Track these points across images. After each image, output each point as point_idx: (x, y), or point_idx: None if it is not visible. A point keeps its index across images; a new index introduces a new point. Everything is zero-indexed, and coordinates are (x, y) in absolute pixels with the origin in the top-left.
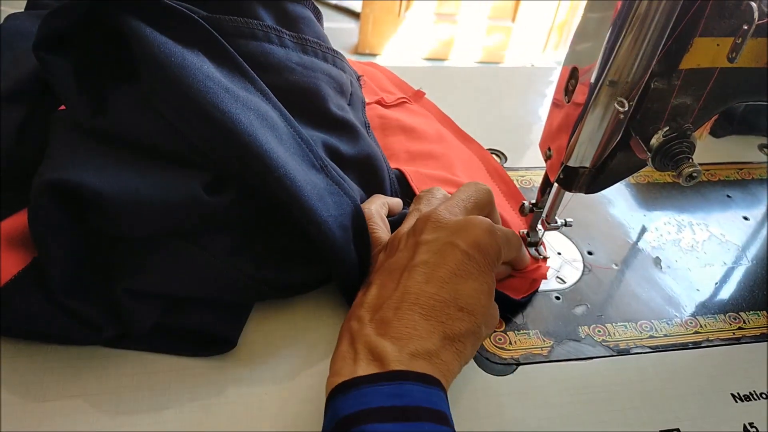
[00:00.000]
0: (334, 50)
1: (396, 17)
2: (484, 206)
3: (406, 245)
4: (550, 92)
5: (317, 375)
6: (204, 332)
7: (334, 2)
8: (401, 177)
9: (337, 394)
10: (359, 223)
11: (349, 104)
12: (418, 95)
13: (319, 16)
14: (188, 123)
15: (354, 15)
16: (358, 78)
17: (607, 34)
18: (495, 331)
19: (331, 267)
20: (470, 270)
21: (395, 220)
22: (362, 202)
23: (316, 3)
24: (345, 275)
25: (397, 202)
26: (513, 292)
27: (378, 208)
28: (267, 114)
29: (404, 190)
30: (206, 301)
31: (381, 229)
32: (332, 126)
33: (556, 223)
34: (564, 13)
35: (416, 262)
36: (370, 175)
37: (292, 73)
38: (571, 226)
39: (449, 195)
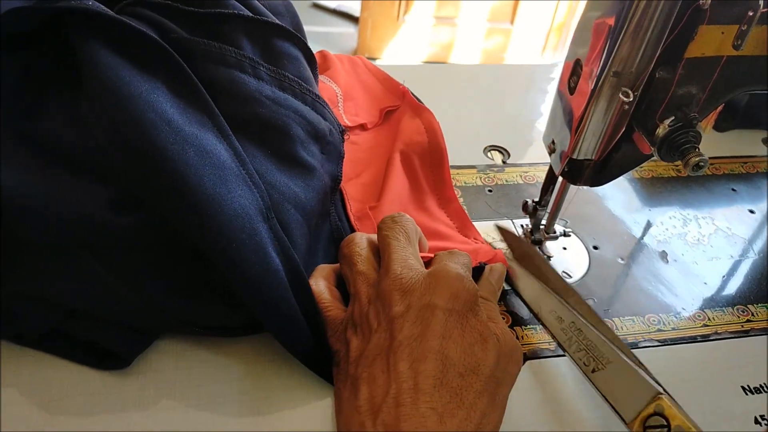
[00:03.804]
0: (317, 95)
1: (395, 21)
2: (414, 233)
3: (380, 324)
4: (551, 89)
5: None
6: (97, 346)
7: (333, 6)
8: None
9: None
10: (301, 283)
11: (323, 153)
12: (405, 97)
13: (311, 60)
14: (117, 151)
15: (353, 19)
16: (342, 132)
17: (611, 25)
18: None
19: (274, 333)
20: (455, 326)
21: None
22: (306, 254)
23: (314, 10)
24: (292, 342)
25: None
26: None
27: (325, 283)
28: (213, 152)
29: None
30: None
31: (334, 307)
32: (294, 168)
33: (555, 232)
34: (562, 15)
35: (399, 341)
36: (318, 219)
37: (261, 107)
38: (569, 236)
39: (373, 237)
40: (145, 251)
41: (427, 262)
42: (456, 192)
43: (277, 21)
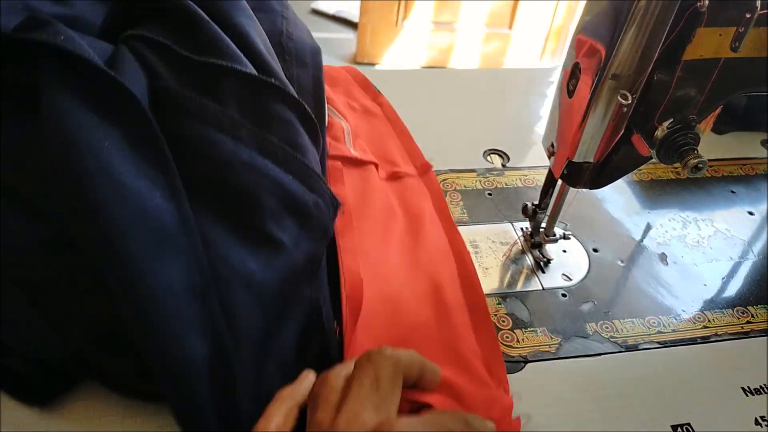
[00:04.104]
0: (304, 164)
1: (394, 26)
2: (391, 377)
3: None
4: (550, 92)
5: None
6: (20, 379)
7: (332, 12)
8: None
9: None
10: (227, 376)
11: (301, 229)
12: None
13: (310, 124)
14: (54, 193)
15: (352, 25)
16: (337, 206)
17: (609, 27)
18: (501, 329)
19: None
20: None
21: None
22: (257, 339)
23: (313, 16)
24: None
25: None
26: None
27: (281, 420)
28: (154, 214)
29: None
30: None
31: None
32: (257, 244)
33: (555, 236)
34: (560, 19)
35: None
36: (282, 303)
37: (232, 172)
38: (569, 238)
39: (351, 382)
40: (74, 296)
41: (421, 407)
42: (456, 196)
43: (274, 81)
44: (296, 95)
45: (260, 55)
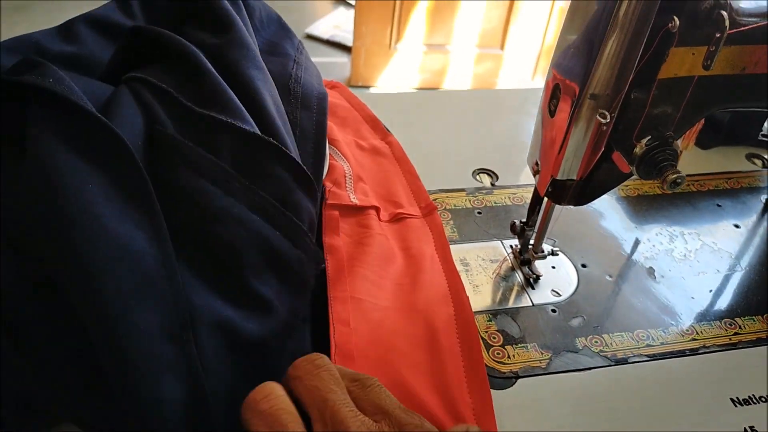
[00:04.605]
0: (292, 221)
1: (387, 49)
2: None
3: None
4: (534, 112)
5: None
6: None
7: (326, 37)
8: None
9: None
10: (204, 417)
11: (282, 283)
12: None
13: (305, 182)
14: (36, 233)
15: (346, 49)
16: (319, 261)
17: (586, 49)
18: (492, 346)
19: None
20: None
21: None
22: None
23: (308, 41)
24: None
25: None
26: None
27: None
28: (135, 255)
29: None
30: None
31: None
32: (241, 299)
33: (543, 252)
34: (551, 38)
35: None
36: (266, 355)
37: (220, 225)
38: (558, 255)
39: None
40: (55, 337)
41: None
42: (446, 215)
43: (272, 140)
44: (292, 154)
45: (265, 109)
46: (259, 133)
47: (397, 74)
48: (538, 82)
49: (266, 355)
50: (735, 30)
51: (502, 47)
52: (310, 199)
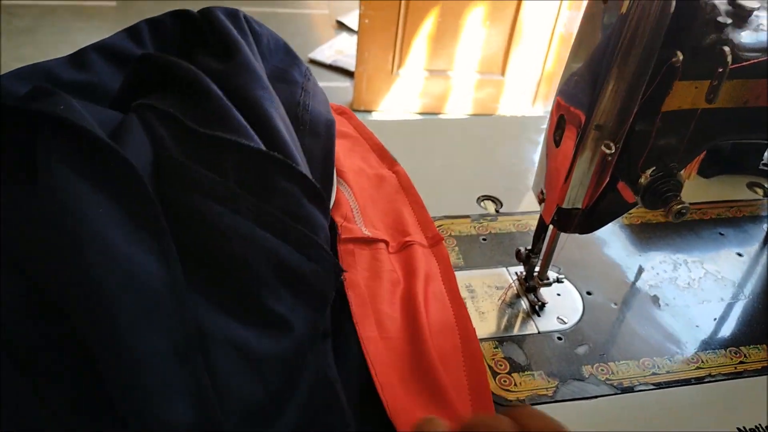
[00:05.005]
0: (304, 234)
1: (389, 74)
2: None
3: None
4: (541, 139)
5: None
6: None
7: (329, 62)
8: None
9: None
10: None
11: (296, 297)
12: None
13: (314, 195)
14: (44, 257)
15: (348, 74)
16: (339, 272)
17: (591, 81)
18: (499, 374)
19: None
20: None
21: None
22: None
23: (311, 65)
24: None
25: None
26: None
27: None
28: (144, 278)
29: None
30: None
31: None
32: (253, 314)
33: (549, 279)
34: (551, 65)
35: None
36: (285, 372)
37: (229, 244)
38: (563, 282)
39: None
40: (60, 361)
41: None
42: (451, 241)
43: (276, 154)
44: (300, 168)
45: (273, 128)
46: (264, 148)
47: (398, 99)
48: (538, 108)
49: (284, 371)
50: (737, 65)
51: (502, 73)
52: (321, 212)
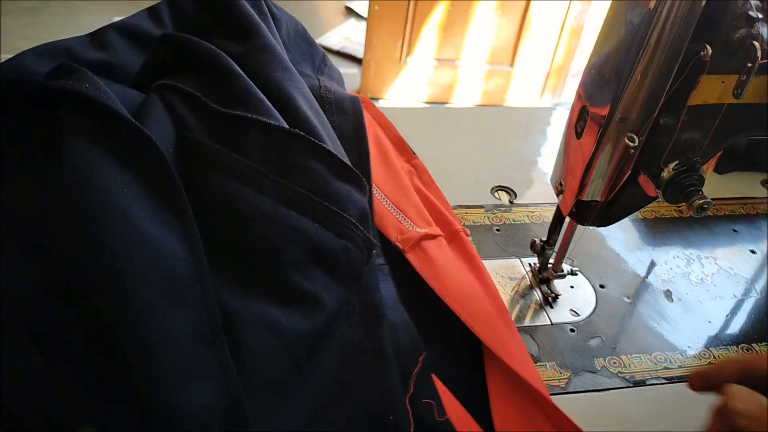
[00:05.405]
0: (332, 211)
1: (397, 62)
2: None
3: None
4: (551, 131)
5: None
6: (22, 425)
7: (337, 48)
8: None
9: None
10: (239, 418)
11: (330, 274)
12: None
13: (346, 172)
14: (68, 237)
15: (356, 60)
16: (371, 249)
17: (617, 73)
18: None
19: None
20: None
21: None
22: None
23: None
24: None
25: None
26: None
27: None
28: (168, 260)
29: None
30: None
31: None
32: (284, 296)
33: (563, 271)
34: (561, 57)
35: None
36: (311, 345)
37: (254, 225)
38: (576, 274)
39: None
40: (81, 344)
41: None
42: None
43: (299, 132)
44: (326, 145)
45: (295, 108)
46: (287, 126)
47: (406, 87)
48: (546, 100)
49: (317, 345)
50: (766, 60)
51: (511, 64)
52: (354, 187)
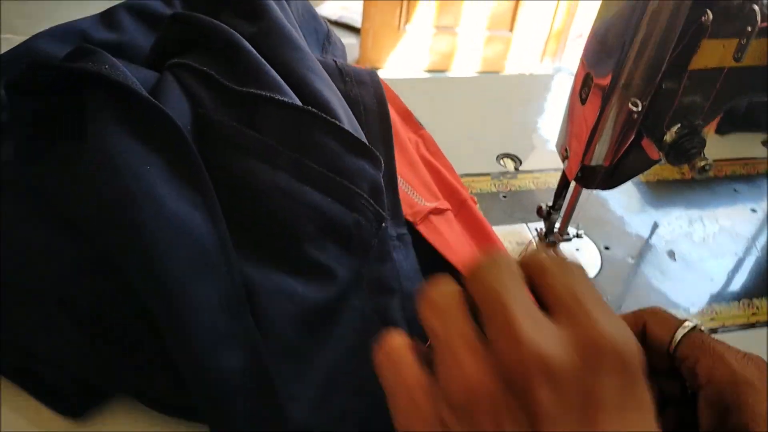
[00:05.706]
0: (345, 186)
1: (396, 31)
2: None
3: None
4: (552, 98)
5: None
6: (56, 390)
7: (334, 18)
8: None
9: None
10: (265, 386)
11: (344, 248)
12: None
13: (360, 148)
14: (100, 215)
15: (354, 30)
16: (381, 222)
17: (620, 39)
18: None
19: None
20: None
21: None
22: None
23: None
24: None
25: None
26: None
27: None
28: (194, 234)
29: None
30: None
31: None
32: (299, 268)
33: (569, 234)
34: (560, 21)
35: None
36: (326, 315)
37: (271, 200)
38: (582, 237)
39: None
40: (113, 313)
41: None
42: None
43: (314, 110)
44: (339, 122)
45: (307, 86)
46: (300, 104)
47: (405, 56)
48: (546, 65)
49: (331, 314)
50: (765, 24)
51: (511, 29)
52: (369, 163)
